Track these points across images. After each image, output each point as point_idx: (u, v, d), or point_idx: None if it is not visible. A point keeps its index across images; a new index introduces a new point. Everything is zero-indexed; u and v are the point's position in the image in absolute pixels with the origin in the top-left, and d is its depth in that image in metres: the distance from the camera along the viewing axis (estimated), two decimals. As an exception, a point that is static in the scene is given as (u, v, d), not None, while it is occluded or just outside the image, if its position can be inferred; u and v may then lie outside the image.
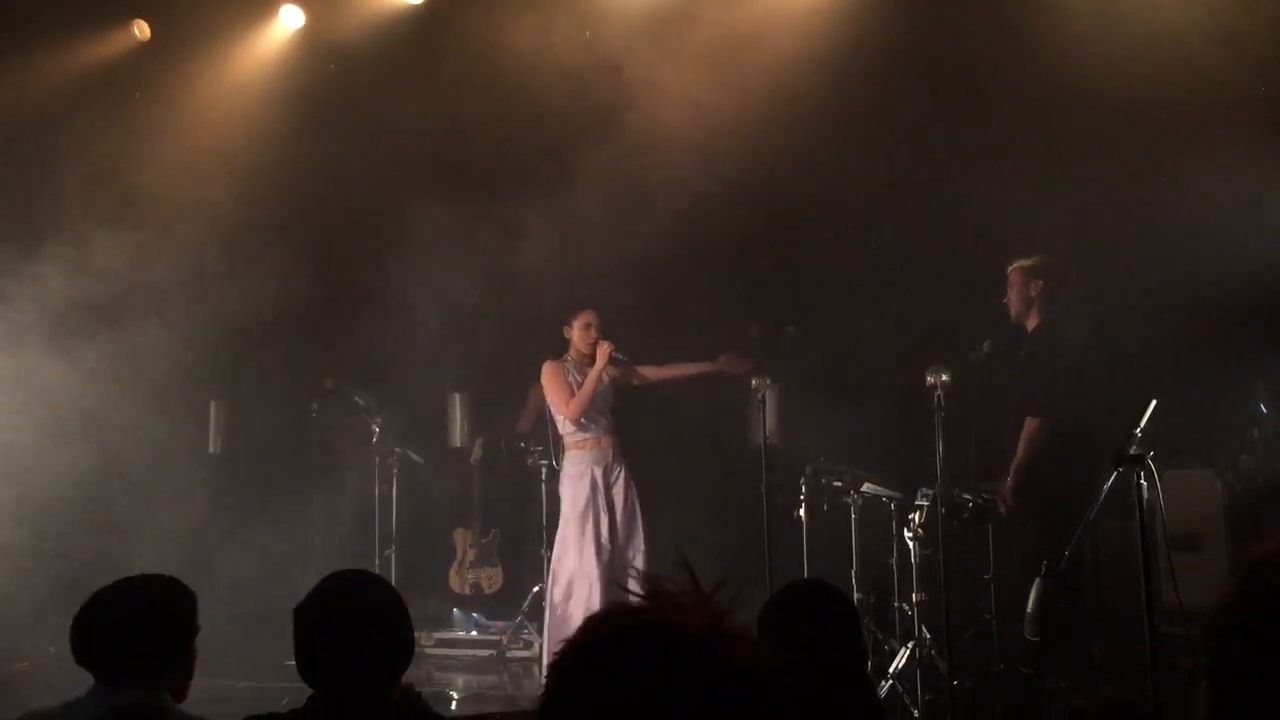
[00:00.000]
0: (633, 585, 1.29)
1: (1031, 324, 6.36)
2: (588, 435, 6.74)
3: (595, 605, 6.37)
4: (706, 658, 1.20)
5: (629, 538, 6.68)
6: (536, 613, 7.54)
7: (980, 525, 6.22)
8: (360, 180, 8.54)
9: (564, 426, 6.81)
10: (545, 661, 6.72)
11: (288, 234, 8.24)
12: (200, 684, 2.97)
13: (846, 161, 7.70)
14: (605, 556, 6.53)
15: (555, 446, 7.35)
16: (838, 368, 7.58)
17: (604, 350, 6.69)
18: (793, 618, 2.84)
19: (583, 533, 6.59)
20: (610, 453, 6.76)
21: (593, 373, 6.68)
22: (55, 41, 8.34)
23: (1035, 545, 5.52)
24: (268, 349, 8.62)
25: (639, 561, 6.59)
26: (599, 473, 6.68)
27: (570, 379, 6.73)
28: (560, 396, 6.73)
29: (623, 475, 6.74)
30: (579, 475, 6.70)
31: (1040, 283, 6.34)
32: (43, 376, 8.19)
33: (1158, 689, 3.94)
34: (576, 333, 6.82)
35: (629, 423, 7.10)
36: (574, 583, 6.53)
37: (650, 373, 6.99)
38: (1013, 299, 6.41)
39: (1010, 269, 6.44)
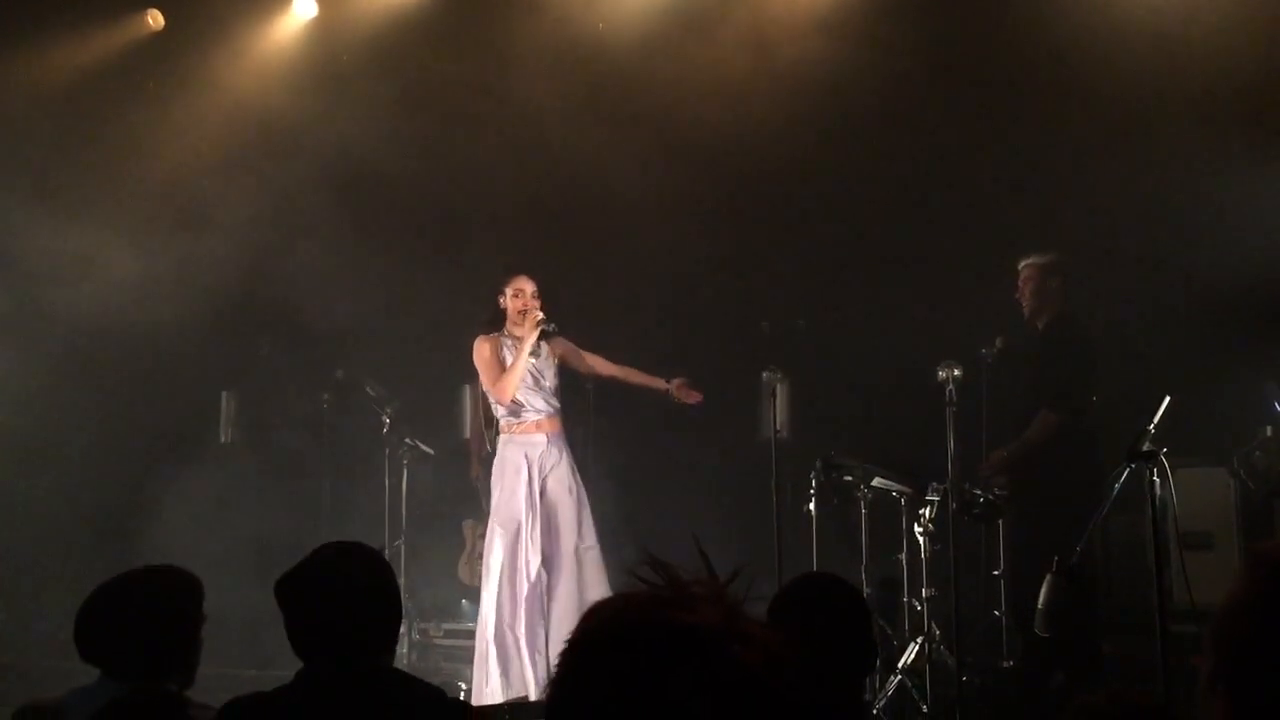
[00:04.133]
0: (646, 572, 1.24)
1: (1044, 320, 6.34)
2: (522, 419, 6.01)
3: (518, 615, 5.80)
4: (719, 658, 1.17)
5: (574, 532, 5.96)
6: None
7: (990, 521, 6.21)
8: (372, 170, 8.54)
9: (497, 408, 6.09)
10: (476, 680, 5.94)
11: (299, 224, 8.23)
12: (206, 673, 2.98)
13: (859, 155, 7.69)
14: (531, 563, 5.84)
15: (489, 431, 6.49)
16: (849, 362, 7.56)
17: (531, 319, 5.92)
18: (803, 611, 2.83)
19: (506, 530, 5.90)
20: (547, 438, 6.00)
21: (522, 346, 5.91)
22: (69, 30, 8.35)
23: (1046, 541, 5.50)
24: (279, 339, 8.63)
25: (590, 559, 5.94)
26: (533, 460, 5.94)
27: (504, 354, 6.01)
28: (489, 374, 5.97)
29: (564, 463, 6.01)
30: (509, 463, 5.96)
31: (1055, 279, 6.32)
32: (52, 364, 8.23)
33: (1168, 687, 3.94)
34: (508, 302, 6.05)
35: (637, 414, 7.06)
36: (497, 586, 5.89)
37: (600, 365, 6.29)
38: (1026, 296, 6.38)
39: (1023, 265, 6.41)
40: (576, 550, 5.96)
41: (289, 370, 8.55)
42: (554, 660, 1.27)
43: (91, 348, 8.20)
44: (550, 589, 5.90)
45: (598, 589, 5.83)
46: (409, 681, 2.67)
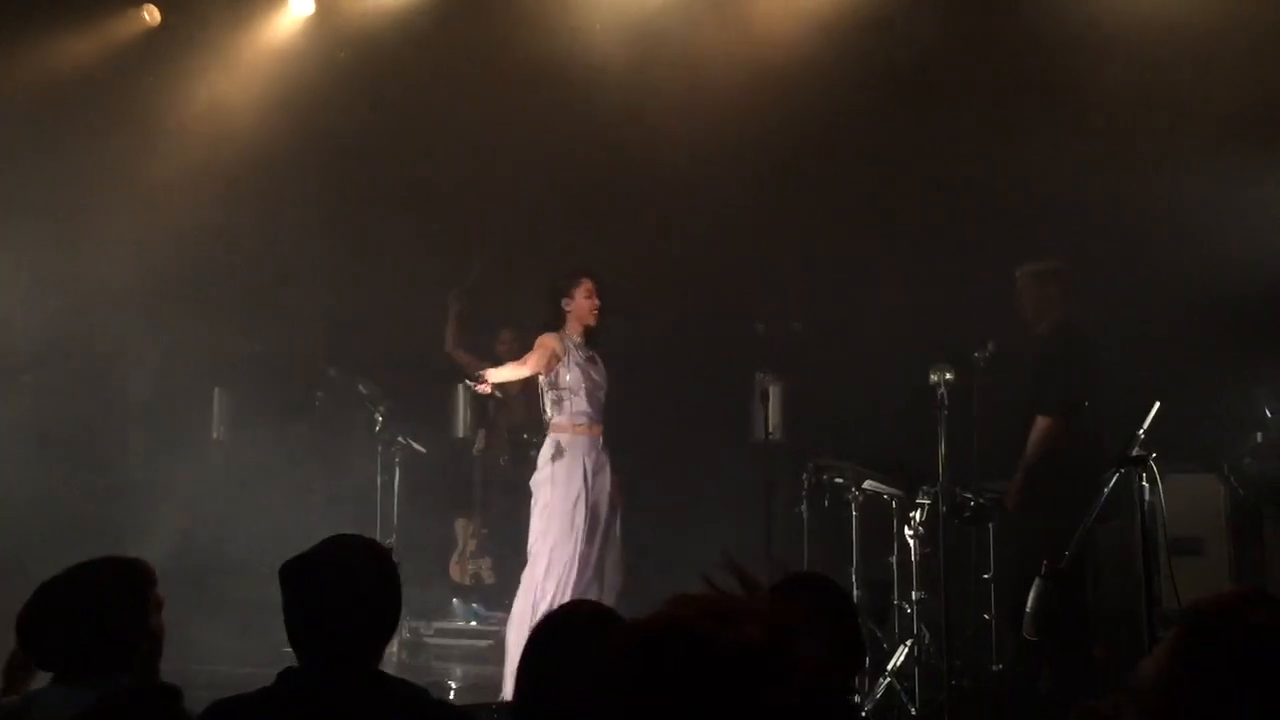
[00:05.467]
0: (720, 576, 1.26)
1: (1044, 327, 6.36)
2: (583, 422, 6.28)
3: (562, 594, 5.97)
4: (760, 681, 1.15)
5: (608, 532, 6.27)
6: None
7: (981, 525, 6.22)
8: (366, 169, 8.54)
9: (554, 407, 6.30)
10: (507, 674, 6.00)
11: (294, 222, 8.23)
12: (197, 670, 2.96)
13: (854, 156, 7.70)
14: (583, 549, 6.11)
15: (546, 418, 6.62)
16: (842, 364, 7.57)
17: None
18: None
19: (567, 531, 6.12)
20: (600, 441, 6.33)
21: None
22: (65, 25, 8.32)
23: (1036, 545, 5.51)
24: (272, 335, 8.62)
25: (612, 556, 6.26)
26: (589, 462, 6.24)
27: (570, 357, 6.24)
28: (535, 359, 6.21)
29: (607, 467, 6.32)
30: (569, 463, 6.21)
31: (1053, 286, 6.36)
32: (51, 355, 8.22)
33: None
34: (580, 303, 6.29)
35: (630, 416, 7.08)
36: (556, 584, 6.06)
37: None
38: (1026, 303, 6.42)
39: (1021, 273, 6.44)
40: (602, 549, 6.23)
41: (281, 367, 8.53)
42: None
43: (87, 342, 8.19)
44: (570, 585, 6.07)
45: (612, 588, 6.17)
46: (389, 682, 2.65)
